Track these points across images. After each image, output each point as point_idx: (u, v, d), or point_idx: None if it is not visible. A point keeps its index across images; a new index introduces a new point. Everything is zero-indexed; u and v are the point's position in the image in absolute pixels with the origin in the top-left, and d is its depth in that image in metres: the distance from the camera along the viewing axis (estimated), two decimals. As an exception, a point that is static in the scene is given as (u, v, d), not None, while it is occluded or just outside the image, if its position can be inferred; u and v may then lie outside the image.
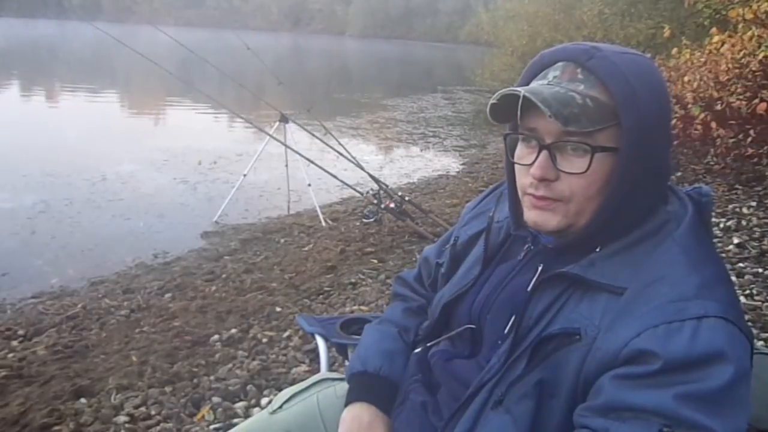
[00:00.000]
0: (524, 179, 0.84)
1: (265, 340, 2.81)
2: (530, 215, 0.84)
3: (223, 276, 3.79)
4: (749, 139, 4.45)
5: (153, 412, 2.22)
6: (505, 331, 0.85)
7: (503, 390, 0.79)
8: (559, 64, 0.82)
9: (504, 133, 0.89)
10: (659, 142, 0.79)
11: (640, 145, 0.77)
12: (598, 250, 0.80)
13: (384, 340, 1.06)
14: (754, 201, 4.19)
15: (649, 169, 0.79)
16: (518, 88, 0.78)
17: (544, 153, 0.80)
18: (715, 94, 4.69)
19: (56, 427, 2.13)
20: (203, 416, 2.19)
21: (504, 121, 0.86)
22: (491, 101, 0.81)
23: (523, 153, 0.84)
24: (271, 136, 4.91)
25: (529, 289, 0.85)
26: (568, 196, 0.80)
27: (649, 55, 0.85)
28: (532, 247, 0.91)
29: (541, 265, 0.87)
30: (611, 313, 0.74)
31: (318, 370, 1.28)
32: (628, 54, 0.80)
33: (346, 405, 1.00)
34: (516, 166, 0.86)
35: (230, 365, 2.56)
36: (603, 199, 0.79)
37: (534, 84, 0.83)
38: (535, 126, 0.81)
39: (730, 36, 5.04)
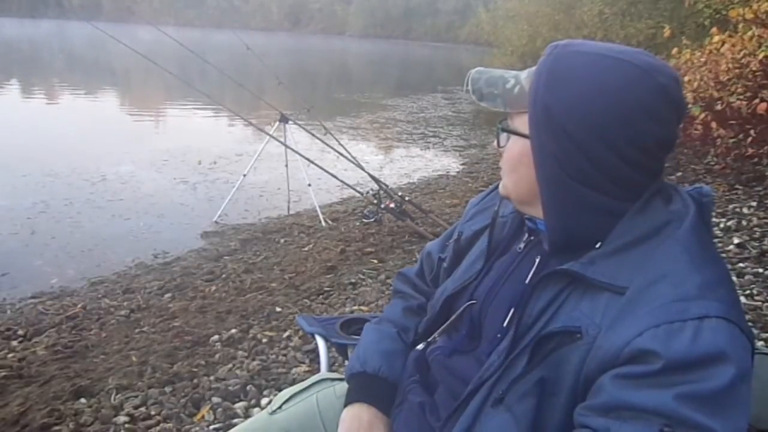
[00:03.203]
0: None
1: (265, 340, 2.81)
2: None
3: (223, 276, 3.79)
4: (749, 139, 4.45)
5: (153, 413, 2.21)
6: (504, 324, 0.85)
7: (504, 388, 0.78)
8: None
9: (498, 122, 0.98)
10: (589, 145, 0.76)
11: (547, 138, 0.79)
12: (597, 246, 0.80)
13: (383, 340, 1.06)
14: (754, 201, 4.19)
15: (583, 164, 0.77)
16: (475, 69, 0.89)
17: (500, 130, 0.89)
18: (716, 94, 4.69)
19: (56, 427, 2.13)
20: (203, 416, 2.19)
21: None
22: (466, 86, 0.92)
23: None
24: (271, 136, 4.91)
25: (527, 281, 0.86)
26: (503, 169, 0.90)
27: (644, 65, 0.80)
28: (531, 238, 0.92)
29: (539, 257, 0.87)
30: (612, 312, 0.74)
31: (318, 370, 1.28)
32: (604, 57, 0.77)
33: (345, 405, 1.00)
34: None
35: (230, 365, 2.56)
36: (521, 178, 0.86)
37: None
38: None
39: (730, 36, 5.04)
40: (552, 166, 0.79)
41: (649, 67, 0.77)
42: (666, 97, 0.77)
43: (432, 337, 1.01)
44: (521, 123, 0.84)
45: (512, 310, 0.85)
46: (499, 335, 0.86)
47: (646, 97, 0.76)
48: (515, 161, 0.86)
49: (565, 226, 0.82)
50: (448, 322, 0.97)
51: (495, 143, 0.90)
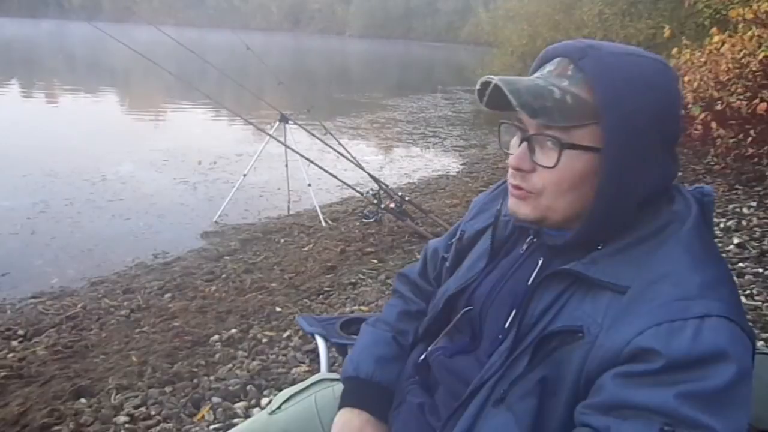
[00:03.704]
0: (509, 167, 0.86)
1: (265, 340, 2.81)
2: (509, 203, 0.87)
3: (223, 276, 3.79)
4: (749, 139, 4.45)
5: (153, 412, 2.21)
6: (506, 325, 0.85)
7: (505, 387, 0.78)
8: (557, 59, 0.82)
9: (499, 120, 0.91)
10: (651, 145, 0.78)
11: (624, 147, 0.76)
12: (599, 247, 0.80)
13: (377, 344, 1.06)
14: (754, 201, 4.19)
15: (641, 171, 0.78)
16: (493, 77, 0.79)
17: (524, 144, 0.82)
18: (715, 94, 4.69)
19: (56, 427, 2.13)
20: (203, 416, 2.19)
21: (502, 109, 0.86)
22: (476, 87, 0.84)
23: (514, 143, 0.86)
24: (271, 136, 4.91)
25: (530, 283, 0.85)
26: (539, 189, 0.81)
27: (660, 57, 0.84)
28: (534, 240, 0.91)
29: (541, 259, 0.87)
30: (614, 311, 0.74)
31: (318, 370, 1.28)
32: (631, 55, 0.80)
33: (339, 408, 1.00)
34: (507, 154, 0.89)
35: (230, 365, 2.56)
36: (582, 196, 0.80)
37: (532, 77, 0.84)
38: (522, 116, 0.82)
39: (730, 36, 5.04)
40: (622, 175, 0.77)
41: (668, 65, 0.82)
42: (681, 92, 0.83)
43: (435, 342, 1.01)
44: (583, 136, 0.77)
45: (514, 311, 0.85)
46: (500, 336, 0.85)
47: (679, 93, 0.82)
48: (576, 180, 0.78)
49: (597, 231, 0.80)
50: (450, 325, 0.97)
51: (527, 165, 0.81)
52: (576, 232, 0.82)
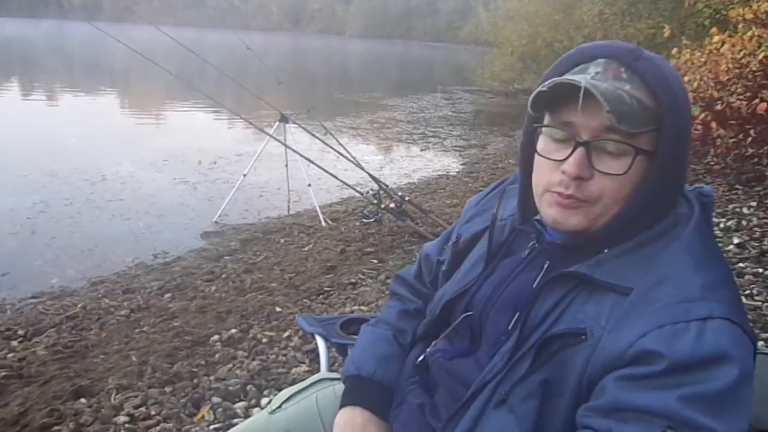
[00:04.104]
0: (551, 175, 0.81)
1: (265, 340, 2.81)
2: (550, 212, 0.82)
3: (223, 276, 3.79)
4: (749, 139, 4.45)
5: (153, 412, 2.21)
6: (509, 327, 0.85)
7: (507, 389, 0.78)
8: (601, 60, 0.79)
9: (536, 124, 0.84)
10: (687, 148, 0.80)
11: (676, 151, 0.77)
12: (606, 251, 0.80)
13: (378, 343, 1.06)
14: (754, 201, 4.19)
15: (681, 173, 0.80)
16: (576, 79, 0.74)
17: (581, 150, 0.77)
18: (715, 94, 4.69)
19: (56, 427, 2.13)
20: (203, 416, 2.19)
21: (538, 111, 0.82)
22: (539, 88, 0.78)
23: (551, 148, 0.81)
24: (271, 136, 4.91)
25: (534, 286, 0.84)
26: (596, 197, 0.78)
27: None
28: (536, 244, 0.91)
29: (547, 262, 0.87)
30: (617, 314, 0.74)
31: (318, 370, 1.28)
32: (659, 58, 0.81)
33: (340, 407, 1.00)
34: (540, 160, 0.83)
35: (230, 365, 2.56)
36: (627, 202, 0.78)
37: (581, 77, 0.78)
38: (572, 120, 0.78)
39: (730, 36, 5.04)
40: (670, 178, 0.78)
41: None
42: None
43: (432, 344, 1.00)
44: (646, 141, 0.76)
45: (517, 315, 0.84)
46: (503, 338, 0.85)
47: None
48: (636, 185, 0.77)
49: (621, 233, 0.80)
50: (449, 329, 0.97)
51: (587, 172, 0.77)
52: (596, 232, 0.81)
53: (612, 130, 0.75)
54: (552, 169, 0.80)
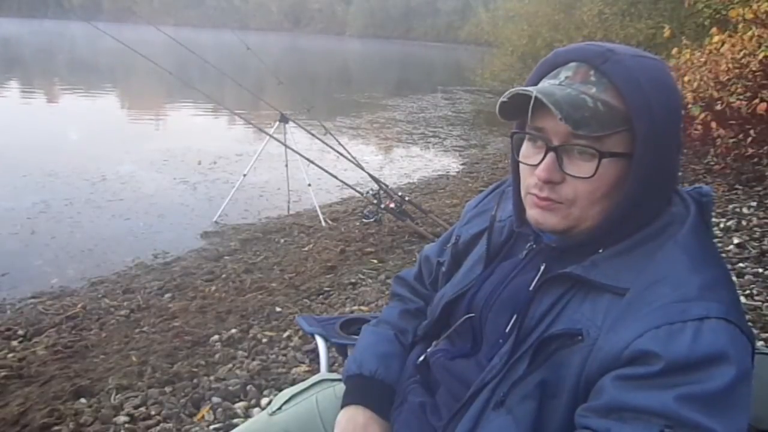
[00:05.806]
0: (529, 179, 0.83)
1: (265, 340, 2.81)
2: (531, 213, 0.84)
3: (223, 276, 3.79)
4: (749, 139, 4.45)
5: (153, 412, 2.21)
6: (507, 329, 0.85)
7: (505, 390, 0.79)
8: (572, 64, 0.80)
9: (511, 131, 0.88)
10: (671, 148, 0.79)
11: (652, 152, 0.76)
12: (601, 251, 0.80)
13: (380, 342, 1.06)
14: (754, 201, 4.19)
15: (660, 175, 0.79)
16: (530, 88, 0.77)
17: (551, 155, 0.79)
18: (715, 94, 4.69)
19: (56, 427, 2.13)
20: (203, 416, 2.19)
21: (512, 118, 0.85)
22: (501, 99, 0.81)
23: (529, 152, 0.83)
24: (271, 136, 4.91)
25: (531, 288, 0.85)
26: (571, 199, 0.80)
27: (660, 57, 0.84)
28: (534, 246, 0.91)
29: (544, 264, 0.87)
30: (613, 314, 0.74)
31: (318, 370, 1.28)
32: (644, 58, 0.80)
33: (342, 407, 1.00)
34: (521, 164, 0.86)
35: (230, 365, 2.56)
36: (612, 203, 0.79)
37: (545, 83, 0.82)
38: (543, 126, 0.80)
39: (730, 36, 5.03)
40: (652, 179, 0.78)
41: None
42: None
43: (433, 344, 1.01)
44: (616, 143, 0.77)
45: (515, 316, 0.85)
46: (501, 340, 0.85)
47: (680, 93, 0.85)
48: (610, 187, 0.78)
49: (611, 234, 0.80)
50: (450, 330, 0.97)
51: (557, 176, 0.79)
52: (586, 232, 0.82)
53: (575, 135, 0.76)
54: (530, 173, 0.83)
